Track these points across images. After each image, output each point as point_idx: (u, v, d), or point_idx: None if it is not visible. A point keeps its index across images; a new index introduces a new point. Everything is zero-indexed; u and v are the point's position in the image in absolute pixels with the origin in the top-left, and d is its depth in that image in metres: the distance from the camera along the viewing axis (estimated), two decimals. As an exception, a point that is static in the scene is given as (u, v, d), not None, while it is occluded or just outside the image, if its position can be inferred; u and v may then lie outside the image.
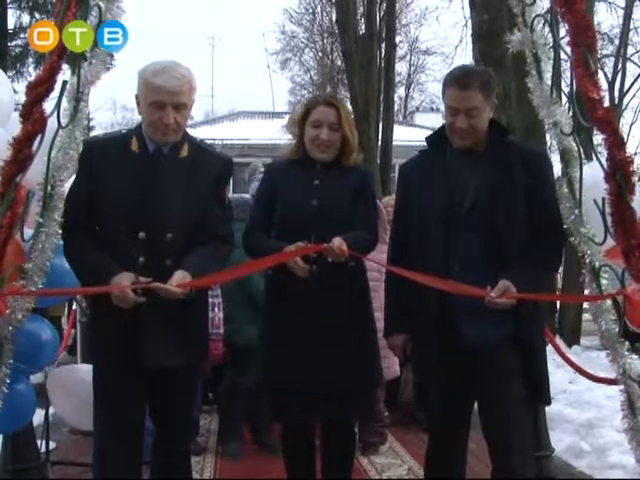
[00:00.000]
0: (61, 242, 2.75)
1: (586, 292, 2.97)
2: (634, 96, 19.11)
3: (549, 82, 2.99)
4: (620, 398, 2.67)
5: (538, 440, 3.94)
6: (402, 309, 2.95)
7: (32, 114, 2.62)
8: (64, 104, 2.77)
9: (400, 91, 27.63)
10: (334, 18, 19.44)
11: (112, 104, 28.12)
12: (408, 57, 27.48)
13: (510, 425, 2.69)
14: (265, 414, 3.75)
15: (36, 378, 3.79)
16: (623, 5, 15.69)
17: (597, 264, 2.75)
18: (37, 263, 2.64)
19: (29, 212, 2.69)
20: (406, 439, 5.13)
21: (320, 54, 26.24)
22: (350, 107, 12.00)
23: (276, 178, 3.21)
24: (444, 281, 2.69)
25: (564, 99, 3.27)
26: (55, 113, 2.71)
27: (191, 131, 3.00)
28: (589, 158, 2.92)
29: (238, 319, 4.62)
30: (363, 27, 16.79)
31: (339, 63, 22.10)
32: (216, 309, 4.55)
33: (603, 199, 2.64)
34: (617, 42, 16.77)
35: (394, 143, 15.98)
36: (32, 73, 11.33)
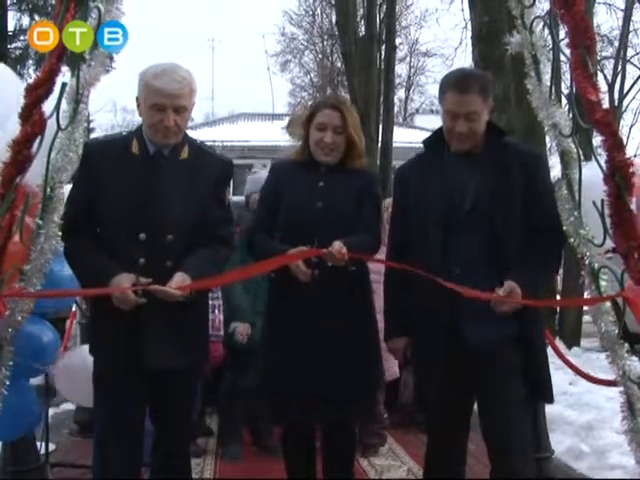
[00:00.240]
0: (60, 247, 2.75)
1: (586, 293, 2.97)
2: (634, 98, 19.16)
3: (548, 84, 3.00)
4: (620, 400, 2.68)
5: (538, 442, 3.94)
6: (402, 312, 2.95)
7: (31, 116, 2.62)
8: (63, 106, 2.77)
9: (400, 93, 27.67)
10: (334, 20, 19.41)
11: (112, 106, 28.15)
12: (408, 59, 27.50)
13: (510, 425, 2.69)
14: (265, 416, 3.74)
15: (36, 380, 3.80)
16: (623, 7, 15.72)
17: (596, 265, 2.75)
18: (36, 265, 2.65)
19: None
20: (406, 441, 5.12)
21: (320, 56, 26.22)
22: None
23: (281, 179, 3.21)
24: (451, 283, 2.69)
25: (564, 101, 3.28)
26: (54, 115, 2.72)
27: (191, 133, 3.00)
28: (588, 160, 2.92)
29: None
30: (363, 29, 16.77)
31: (339, 65, 22.09)
32: (216, 311, 4.54)
33: (602, 201, 2.64)
34: (617, 44, 16.78)
35: (394, 145, 15.96)
36: (32, 75, 11.32)
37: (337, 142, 3.09)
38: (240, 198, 5.02)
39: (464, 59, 16.81)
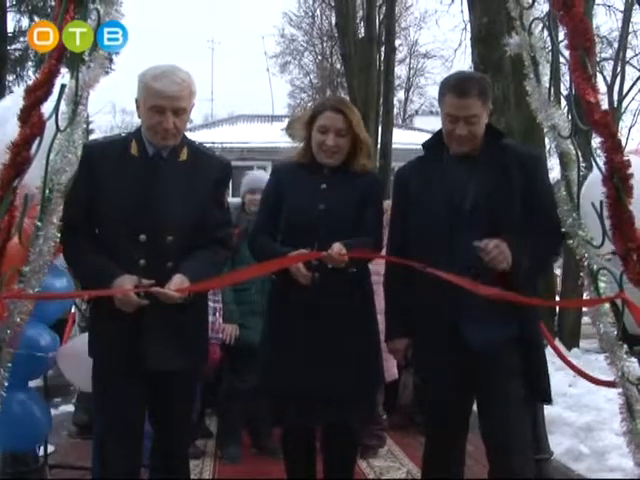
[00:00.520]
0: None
1: (585, 295, 2.97)
2: (633, 99, 19.15)
3: (547, 85, 3.00)
4: (619, 401, 2.68)
5: (537, 443, 3.93)
6: (403, 313, 2.95)
7: (30, 117, 2.62)
8: (63, 107, 2.77)
9: (399, 94, 27.72)
10: (333, 21, 19.45)
11: (112, 107, 28.19)
12: (407, 60, 27.55)
13: (510, 425, 2.69)
14: (265, 418, 3.74)
15: (35, 382, 3.79)
16: (622, 8, 15.71)
17: (595, 267, 2.75)
18: (35, 266, 2.65)
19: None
20: (405, 442, 5.12)
21: (319, 57, 26.23)
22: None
23: (283, 180, 3.21)
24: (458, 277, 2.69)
25: (563, 102, 3.28)
26: (53, 116, 2.72)
27: (191, 134, 3.00)
28: (587, 161, 2.92)
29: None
30: (362, 30, 16.79)
31: (338, 66, 22.10)
32: (217, 314, 4.55)
33: (601, 202, 2.65)
34: (616, 45, 16.80)
35: (393, 146, 15.95)
36: (32, 77, 11.34)
37: (339, 145, 3.08)
38: (238, 200, 5.02)
39: (463, 60, 16.80)
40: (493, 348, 2.71)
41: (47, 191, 2.70)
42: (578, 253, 2.79)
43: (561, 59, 3.12)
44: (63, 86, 2.77)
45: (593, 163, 2.78)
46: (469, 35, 8.14)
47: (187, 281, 2.64)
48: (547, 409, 4.16)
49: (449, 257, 2.76)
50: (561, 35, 3.13)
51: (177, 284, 2.61)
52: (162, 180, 2.73)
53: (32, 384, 3.53)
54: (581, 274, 2.84)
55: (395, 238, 3.04)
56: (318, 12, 24.48)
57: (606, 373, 2.87)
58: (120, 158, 2.76)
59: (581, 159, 2.89)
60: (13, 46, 12.42)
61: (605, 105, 2.74)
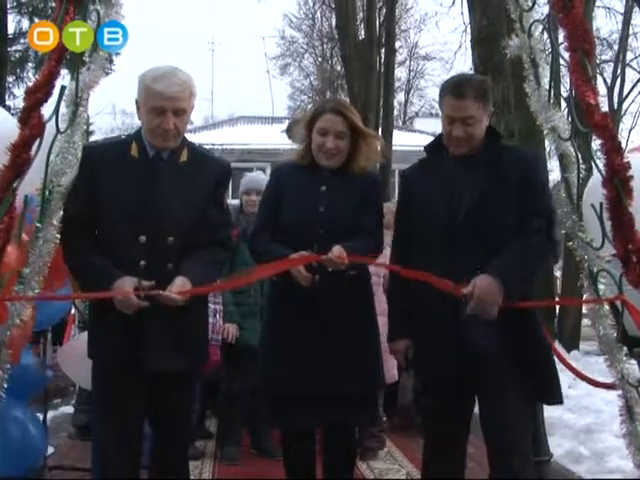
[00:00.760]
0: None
1: (584, 297, 2.97)
2: (633, 101, 19.18)
3: (547, 87, 3.00)
4: (618, 403, 2.68)
5: (537, 445, 3.92)
6: (405, 314, 2.95)
7: (30, 119, 2.62)
8: (63, 109, 2.77)
9: (399, 96, 27.69)
10: (334, 23, 19.45)
11: (112, 108, 28.14)
12: (408, 62, 27.56)
13: (510, 426, 2.69)
14: (265, 419, 3.74)
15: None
16: (622, 11, 15.73)
17: (595, 269, 2.75)
18: (34, 268, 2.65)
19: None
20: (405, 444, 5.12)
21: (320, 59, 26.27)
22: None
23: (282, 182, 3.21)
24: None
25: (563, 104, 3.28)
26: (54, 118, 2.72)
27: (191, 136, 3.00)
28: (587, 163, 2.92)
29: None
30: (363, 32, 16.80)
31: (339, 68, 22.13)
32: (217, 315, 4.55)
33: (601, 204, 2.65)
34: (616, 47, 16.82)
35: (393, 148, 15.95)
36: (32, 78, 11.35)
37: (339, 147, 3.08)
38: (237, 201, 5.03)
39: (463, 62, 16.85)
40: (494, 349, 2.71)
41: (47, 192, 2.70)
42: (578, 255, 2.79)
43: (561, 61, 3.13)
44: (63, 87, 2.77)
45: (593, 165, 2.78)
46: (469, 37, 8.16)
47: (189, 283, 2.64)
48: (547, 411, 4.15)
49: (447, 259, 2.76)
50: (561, 37, 3.13)
51: (179, 287, 2.62)
52: (162, 181, 2.74)
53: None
54: (581, 276, 2.84)
55: (400, 242, 3.05)
56: (318, 14, 24.52)
57: (606, 375, 2.87)
58: (120, 160, 2.76)
59: (581, 161, 2.89)
60: (13, 47, 12.44)
61: (605, 107, 2.75)
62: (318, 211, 3.06)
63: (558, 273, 10.51)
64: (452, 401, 2.83)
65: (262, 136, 24.22)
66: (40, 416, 3.83)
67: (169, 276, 2.65)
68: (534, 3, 3.09)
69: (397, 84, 22.60)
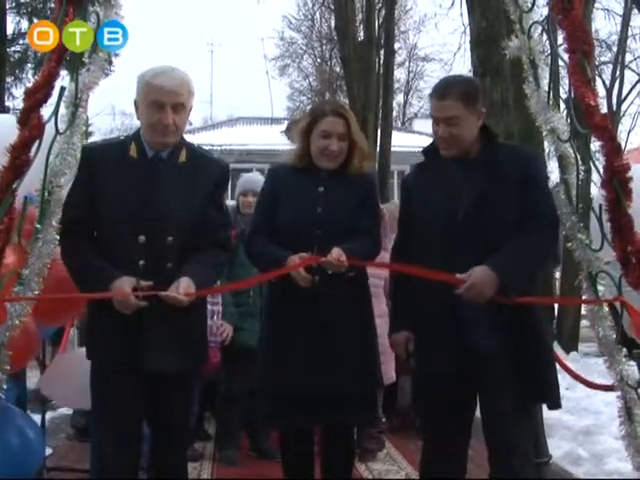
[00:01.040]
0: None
1: (583, 298, 2.97)
2: (632, 103, 19.15)
3: (546, 88, 3.00)
4: (617, 405, 2.67)
5: (536, 447, 3.92)
6: (405, 309, 2.96)
7: (30, 120, 2.62)
8: (62, 110, 2.78)
9: (399, 97, 27.70)
10: (333, 25, 19.45)
11: (111, 109, 28.13)
12: (407, 64, 27.53)
13: (512, 427, 2.69)
14: (263, 420, 3.74)
15: (32, 384, 3.79)
16: (621, 12, 15.73)
17: (594, 270, 2.75)
18: (34, 269, 2.64)
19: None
20: (404, 446, 5.11)
21: (319, 60, 26.26)
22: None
23: (278, 183, 3.21)
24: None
25: (562, 105, 3.28)
26: (53, 119, 2.72)
27: (190, 137, 3.01)
28: (586, 164, 2.92)
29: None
30: (362, 34, 16.78)
31: (338, 69, 22.11)
32: (215, 317, 4.55)
33: (600, 205, 2.65)
34: (615, 49, 16.81)
35: (392, 149, 15.97)
36: (31, 79, 11.35)
37: (342, 149, 3.09)
38: (234, 202, 5.04)
39: (463, 64, 16.79)
40: (494, 348, 2.71)
41: (46, 193, 2.69)
42: (577, 256, 2.79)
43: (560, 62, 3.13)
44: (63, 88, 2.77)
45: (592, 166, 2.78)
46: (468, 38, 8.15)
47: (193, 285, 2.64)
48: (546, 412, 4.14)
49: (446, 259, 2.76)
50: (560, 38, 3.13)
51: (185, 288, 2.62)
52: (161, 181, 2.74)
53: (30, 384, 3.52)
54: (580, 277, 2.84)
55: (400, 244, 3.07)
56: (317, 15, 24.50)
57: (605, 377, 2.87)
58: (119, 160, 2.76)
59: (580, 162, 2.89)
60: (12, 48, 12.43)
61: (604, 108, 2.75)
62: (316, 212, 3.06)
63: (557, 274, 10.52)
64: (451, 400, 2.82)
65: (261, 137, 24.23)
66: (38, 417, 3.83)
67: (168, 276, 2.65)
68: (533, 4, 3.09)
69: (396, 85, 22.62)
